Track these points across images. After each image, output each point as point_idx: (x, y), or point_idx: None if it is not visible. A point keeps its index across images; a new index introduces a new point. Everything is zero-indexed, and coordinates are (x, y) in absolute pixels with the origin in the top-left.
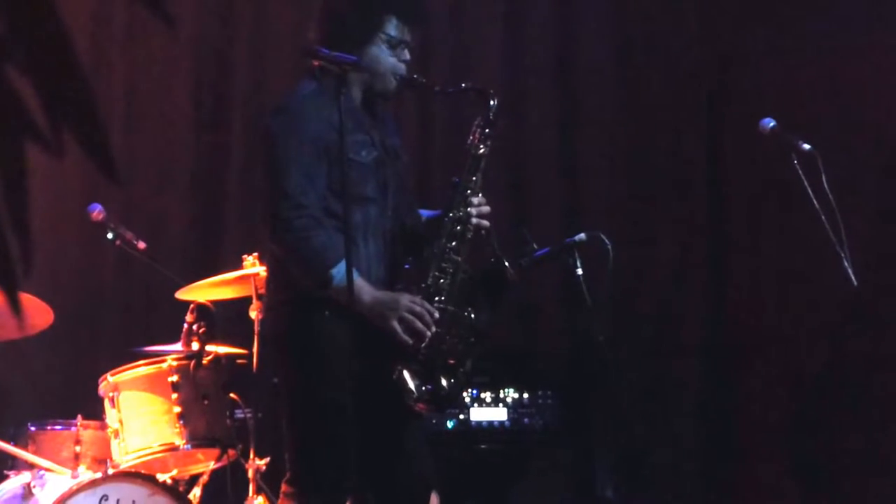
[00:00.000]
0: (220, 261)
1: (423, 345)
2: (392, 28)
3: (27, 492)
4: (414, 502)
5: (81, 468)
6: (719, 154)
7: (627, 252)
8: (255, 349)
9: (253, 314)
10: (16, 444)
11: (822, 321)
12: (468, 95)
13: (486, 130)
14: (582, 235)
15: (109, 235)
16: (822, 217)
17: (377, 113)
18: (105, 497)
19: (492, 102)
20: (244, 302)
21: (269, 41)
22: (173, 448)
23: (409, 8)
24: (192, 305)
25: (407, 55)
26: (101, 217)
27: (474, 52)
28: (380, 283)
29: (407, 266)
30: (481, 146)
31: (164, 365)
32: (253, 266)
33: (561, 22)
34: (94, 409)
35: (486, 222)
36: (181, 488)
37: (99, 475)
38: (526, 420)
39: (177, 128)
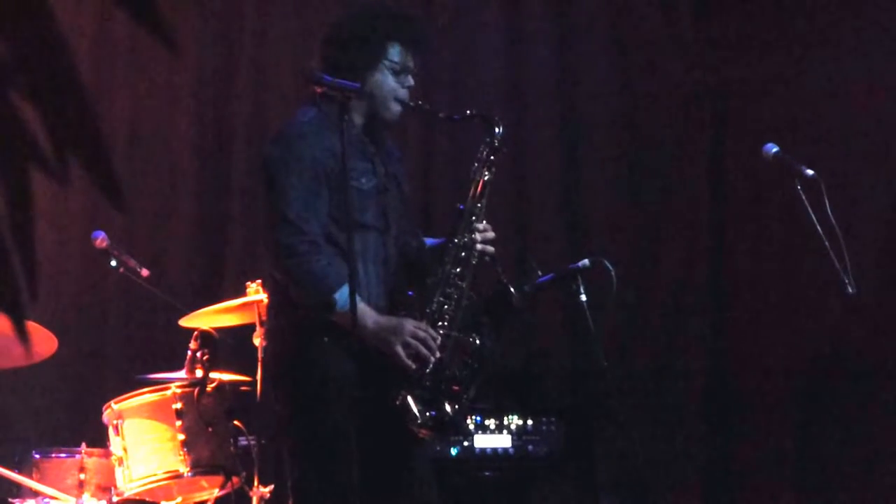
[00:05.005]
0: (223, 288)
1: (427, 370)
2: (395, 54)
3: None
4: None
5: (86, 496)
6: (722, 179)
7: (630, 277)
8: (258, 376)
9: (256, 341)
10: (20, 472)
11: (826, 343)
12: (473, 122)
13: (491, 157)
14: (585, 261)
15: (113, 263)
16: (826, 242)
17: (379, 140)
18: None
19: (497, 129)
20: (248, 329)
21: (270, 68)
22: (177, 476)
23: (413, 34)
24: (195, 333)
25: (410, 81)
26: (104, 244)
27: (475, 79)
28: (380, 310)
29: (410, 293)
30: (486, 172)
31: (168, 392)
32: (256, 293)
33: (562, 48)
34: (98, 437)
35: (490, 248)
36: None
37: (103, 503)
38: (530, 447)
39: (179, 154)
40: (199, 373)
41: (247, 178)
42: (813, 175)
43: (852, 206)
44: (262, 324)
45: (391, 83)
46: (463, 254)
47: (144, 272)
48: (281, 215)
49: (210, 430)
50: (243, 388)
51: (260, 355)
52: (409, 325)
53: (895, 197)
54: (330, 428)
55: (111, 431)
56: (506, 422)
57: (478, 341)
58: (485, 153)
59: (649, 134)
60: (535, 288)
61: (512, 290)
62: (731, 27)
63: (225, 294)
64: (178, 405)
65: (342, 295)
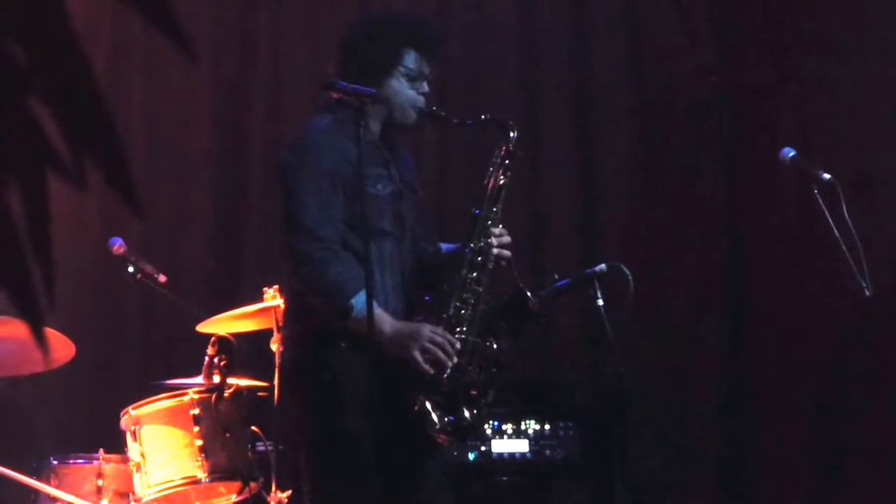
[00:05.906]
0: (240, 293)
1: (445, 375)
2: (411, 61)
3: None
4: None
5: (104, 502)
6: (738, 183)
7: (647, 281)
8: (276, 381)
9: (274, 346)
10: (38, 478)
11: (844, 350)
12: (488, 127)
13: (506, 161)
14: (602, 266)
15: (130, 269)
16: (843, 246)
17: (395, 146)
18: None
19: (512, 134)
20: (265, 334)
21: (287, 73)
22: (195, 481)
23: (428, 41)
24: (212, 338)
25: (426, 87)
26: (121, 250)
27: (490, 83)
28: (397, 315)
29: (427, 298)
30: (501, 176)
31: (186, 398)
32: (273, 298)
33: (577, 52)
34: (116, 443)
35: (507, 252)
36: None
37: None
38: (547, 452)
39: (196, 160)
40: (216, 378)
41: (263, 184)
42: (830, 179)
43: (870, 210)
44: (279, 329)
45: (406, 90)
46: (479, 258)
47: (162, 278)
48: (296, 221)
49: (227, 435)
50: (260, 393)
51: (277, 361)
52: (427, 330)
53: None
54: (346, 434)
55: (129, 437)
56: (523, 427)
57: (495, 346)
58: (499, 157)
59: (665, 138)
60: (551, 293)
61: (529, 294)
62: (747, 30)
63: (242, 300)
64: (196, 411)
65: (359, 301)
